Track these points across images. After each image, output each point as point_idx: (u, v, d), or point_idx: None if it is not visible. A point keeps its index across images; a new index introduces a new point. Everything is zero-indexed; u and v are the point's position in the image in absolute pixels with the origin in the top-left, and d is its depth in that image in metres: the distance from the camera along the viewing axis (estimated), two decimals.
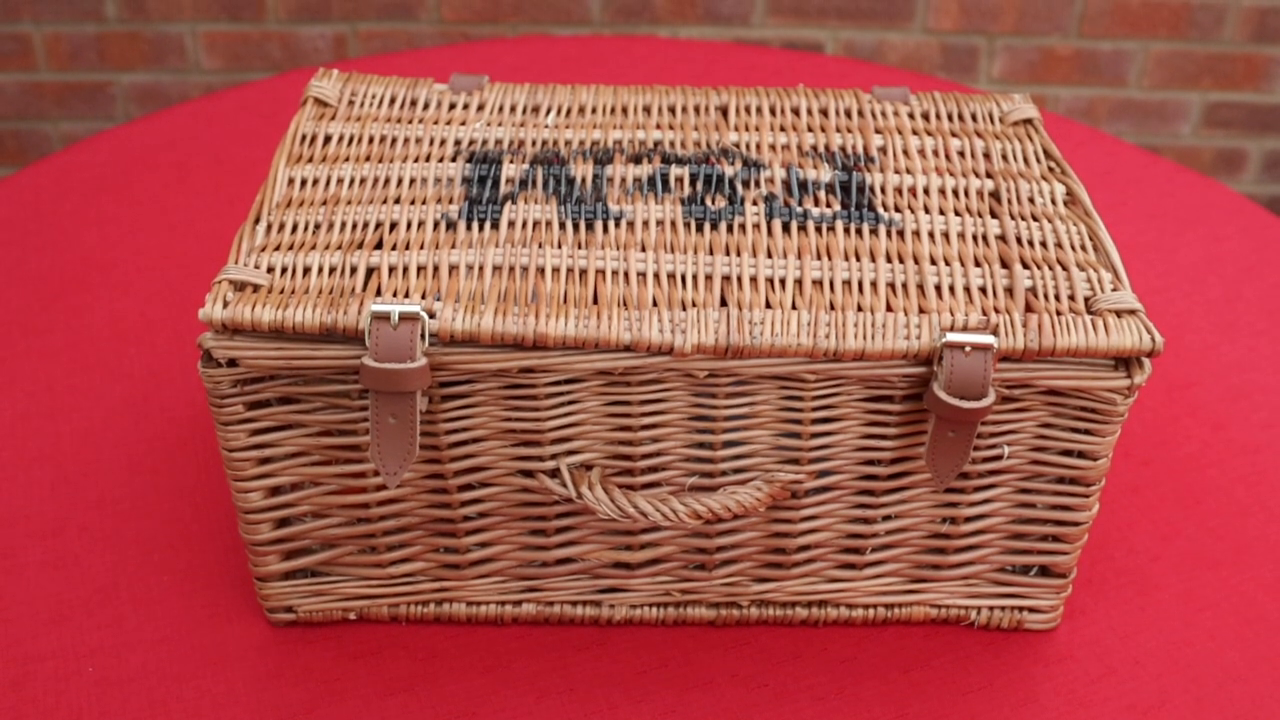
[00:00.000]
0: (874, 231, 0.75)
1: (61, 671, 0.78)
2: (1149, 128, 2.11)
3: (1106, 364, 0.71)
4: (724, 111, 0.85)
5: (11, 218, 1.15)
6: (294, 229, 0.74)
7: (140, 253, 1.12)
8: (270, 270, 0.71)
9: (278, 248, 0.73)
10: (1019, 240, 0.75)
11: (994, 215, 0.77)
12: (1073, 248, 0.75)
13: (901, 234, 0.75)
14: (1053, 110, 2.08)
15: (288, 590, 0.79)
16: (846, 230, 0.75)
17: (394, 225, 0.74)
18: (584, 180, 0.78)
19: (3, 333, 1.03)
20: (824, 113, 0.85)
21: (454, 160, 0.79)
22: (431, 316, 0.68)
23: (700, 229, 0.75)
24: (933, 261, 0.74)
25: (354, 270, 0.72)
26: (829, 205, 0.77)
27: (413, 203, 0.76)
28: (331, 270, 0.72)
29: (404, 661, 0.79)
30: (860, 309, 0.70)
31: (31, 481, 0.90)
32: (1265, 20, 2.00)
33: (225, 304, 0.69)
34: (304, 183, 0.78)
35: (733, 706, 0.77)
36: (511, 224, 0.74)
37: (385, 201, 0.76)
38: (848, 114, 0.85)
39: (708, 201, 0.76)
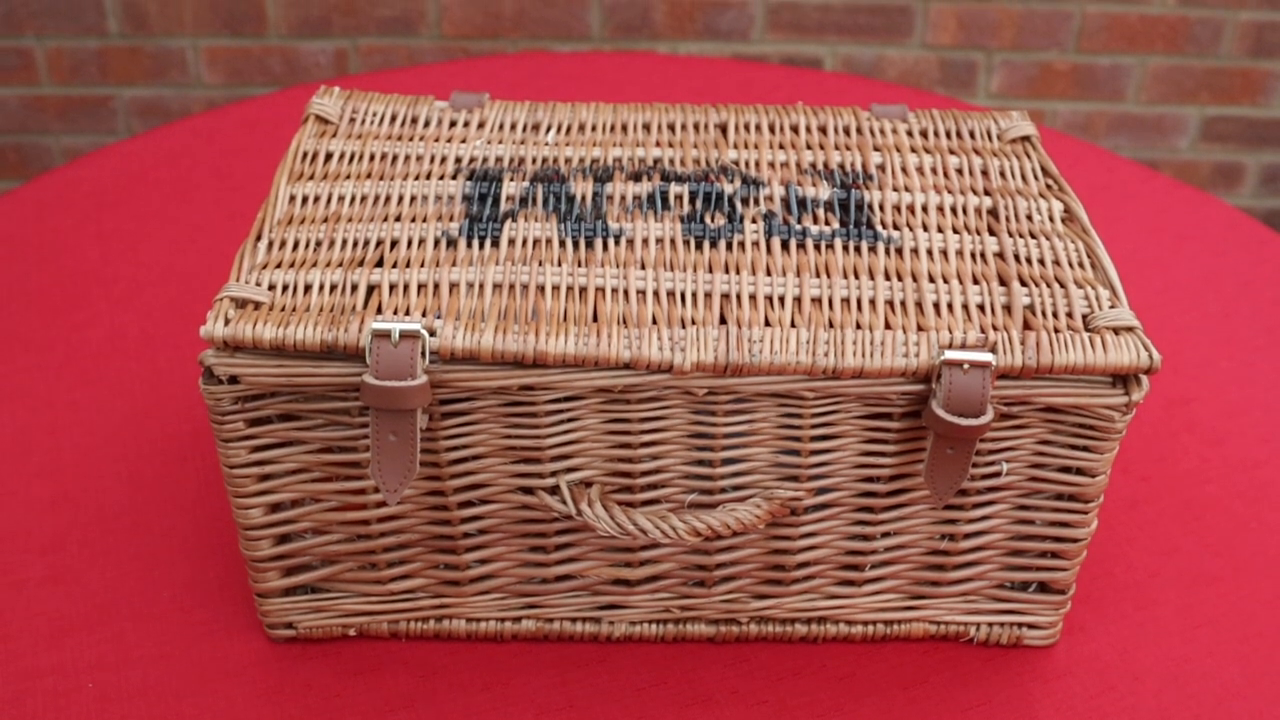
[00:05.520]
0: (872, 249, 0.75)
1: (61, 687, 0.78)
2: (1147, 142, 2.12)
3: (1104, 381, 0.71)
4: (723, 129, 0.86)
5: (13, 232, 1.16)
6: (295, 246, 0.75)
7: (142, 268, 1.12)
8: (271, 288, 0.72)
9: (279, 265, 0.73)
10: (1017, 258, 0.76)
11: (992, 233, 0.78)
12: (1071, 265, 0.75)
13: (900, 252, 0.75)
14: (1051, 125, 2.08)
15: (288, 606, 0.79)
16: (845, 248, 0.75)
17: (395, 243, 0.75)
18: (584, 198, 0.78)
19: (3, 347, 1.03)
20: (823, 130, 0.86)
21: (454, 178, 0.80)
22: (432, 334, 0.69)
23: (699, 247, 0.75)
24: (931, 279, 0.74)
25: (355, 288, 0.72)
26: (828, 223, 0.77)
27: (413, 220, 0.76)
28: (332, 288, 0.72)
29: (404, 678, 0.79)
30: (859, 327, 0.71)
31: (32, 497, 0.90)
32: (1263, 35, 2.01)
33: (226, 321, 0.69)
34: (305, 200, 0.78)
35: None
36: (512, 242, 0.75)
37: (386, 219, 0.77)
38: (846, 131, 0.86)
39: (707, 219, 0.77)
